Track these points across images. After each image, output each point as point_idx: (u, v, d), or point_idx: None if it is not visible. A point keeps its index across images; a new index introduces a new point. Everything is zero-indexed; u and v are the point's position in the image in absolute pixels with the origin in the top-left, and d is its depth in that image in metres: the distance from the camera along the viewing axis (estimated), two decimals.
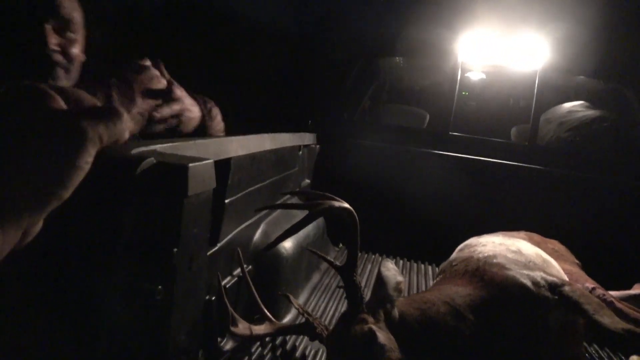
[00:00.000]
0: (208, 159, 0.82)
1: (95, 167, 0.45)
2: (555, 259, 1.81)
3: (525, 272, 1.37)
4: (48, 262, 0.70)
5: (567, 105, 2.95)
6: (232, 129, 1.63)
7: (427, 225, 2.43)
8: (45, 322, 0.75)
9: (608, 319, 1.24)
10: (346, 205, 1.23)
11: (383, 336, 1.12)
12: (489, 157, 2.53)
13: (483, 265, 1.42)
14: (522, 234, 1.98)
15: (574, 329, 1.34)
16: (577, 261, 1.96)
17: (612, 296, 1.66)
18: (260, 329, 1.30)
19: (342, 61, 2.96)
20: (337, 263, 1.25)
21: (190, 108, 1.31)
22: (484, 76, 3.45)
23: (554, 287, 1.33)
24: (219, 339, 1.26)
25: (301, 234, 1.74)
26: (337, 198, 1.28)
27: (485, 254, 1.51)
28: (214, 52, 3.01)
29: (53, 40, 0.91)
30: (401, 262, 2.38)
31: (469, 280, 1.38)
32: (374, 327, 1.12)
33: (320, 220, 2.15)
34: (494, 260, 1.44)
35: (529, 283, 1.31)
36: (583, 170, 2.41)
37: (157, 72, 1.23)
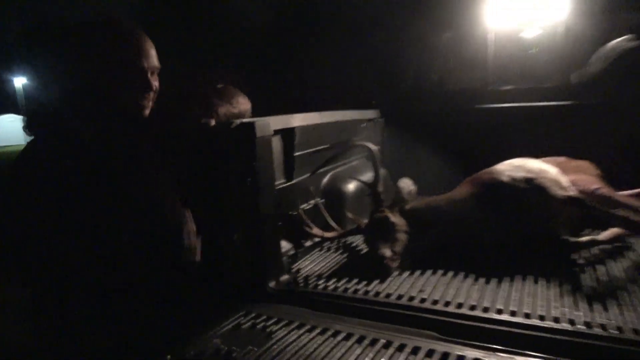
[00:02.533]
0: (269, 119, 1.58)
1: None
2: (575, 172, 2.24)
3: (508, 172, 1.90)
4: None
5: (615, 41, 3.18)
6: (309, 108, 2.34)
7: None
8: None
9: (558, 191, 1.74)
10: (368, 144, 1.91)
11: (394, 218, 1.78)
12: (529, 102, 2.94)
13: (480, 174, 1.98)
14: (549, 158, 2.40)
15: (549, 209, 1.82)
16: (598, 173, 2.33)
17: (614, 192, 2.07)
18: (329, 233, 2.03)
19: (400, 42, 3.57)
20: (366, 180, 1.94)
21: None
22: (541, 31, 3.75)
23: (530, 180, 1.85)
24: (302, 241, 2.01)
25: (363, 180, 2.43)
26: (364, 142, 1.97)
27: (489, 168, 2.05)
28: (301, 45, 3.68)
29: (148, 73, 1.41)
30: None
31: (467, 184, 1.96)
32: (388, 213, 1.79)
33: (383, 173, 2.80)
34: (489, 170, 1.99)
35: (506, 178, 1.85)
36: (617, 99, 2.71)
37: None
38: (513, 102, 3.07)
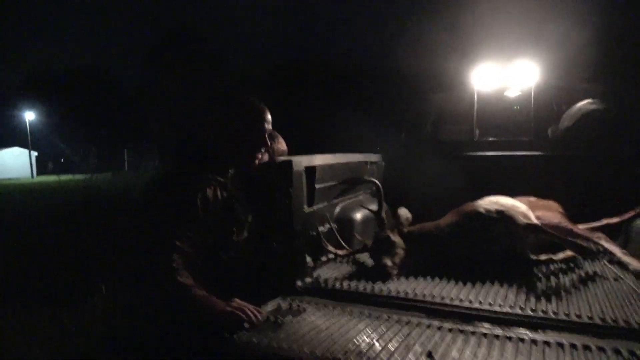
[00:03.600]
0: (300, 158, 2.12)
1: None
2: (542, 209, 2.76)
3: (484, 205, 2.42)
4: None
5: (579, 104, 3.79)
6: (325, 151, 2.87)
7: None
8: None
9: (522, 220, 2.25)
10: (373, 179, 2.43)
11: (394, 237, 2.28)
12: (507, 152, 3.50)
13: (463, 206, 2.50)
14: (522, 197, 2.91)
15: (515, 234, 2.32)
16: (561, 211, 2.85)
17: (573, 225, 2.58)
18: (341, 251, 2.52)
19: (401, 98, 4.18)
20: (372, 209, 2.45)
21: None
22: (519, 93, 4.37)
23: (500, 212, 2.36)
24: (320, 256, 2.50)
25: (367, 211, 2.93)
26: (372, 179, 2.50)
27: (470, 202, 2.57)
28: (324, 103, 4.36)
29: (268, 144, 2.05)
30: None
31: (452, 214, 2.47)
32: (389, 234, 2.29)
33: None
34: (470, 203, 2.50)
35: (482, 210, 2.37)
36: (578, 151, 3.27)
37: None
38: (495, 151, 3.63)
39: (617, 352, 1.38)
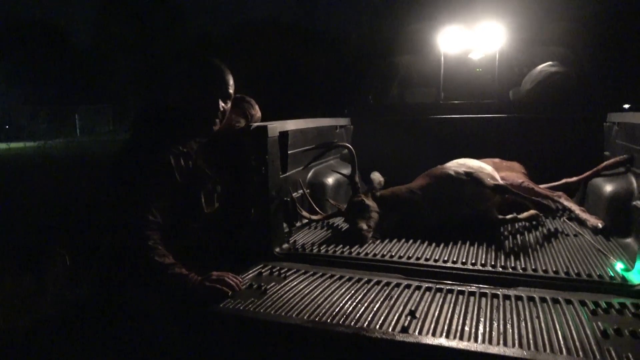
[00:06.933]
0: (274, 124, 2.08)
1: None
2: (506, 170, 2.87)
3: (454, 167, 2.48)
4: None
5: (540, 66, 3.88)
6: (291, 116, 2.85)
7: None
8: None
9: (490, 181, 2.33)
10: (346, 144, 2.44)
11: (368, 201, 2.32)
12: (473, 114, 3.57)
13: (432, 170, 2.56)
14: (487, 159, 3.00)
15: (483, 195, 2.41)
16: (524, 171, 2.97)
17: (535, 184, 2.69)
18: (315, 217, 2.54)
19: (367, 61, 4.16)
20: (345, 173, 2.46)
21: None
22: (484, 55, 4.42)
23: (469, 174, 2.43)
24: (293, 221, 2.51)
25: (338, 176, 2.95)
26: (346, 144, 2.50)
27: (439, 165, 2.63)
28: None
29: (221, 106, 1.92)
30: None
31: (423, 177, 2.52)
32: (363, 197, 2.33)
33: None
34: (440, 166, 2.56)
35: (452, 172, 2.43)
36: (541, 112, 3.38)
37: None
38: (461, 114, 3.69)
39: (582, 303, 1.49)
